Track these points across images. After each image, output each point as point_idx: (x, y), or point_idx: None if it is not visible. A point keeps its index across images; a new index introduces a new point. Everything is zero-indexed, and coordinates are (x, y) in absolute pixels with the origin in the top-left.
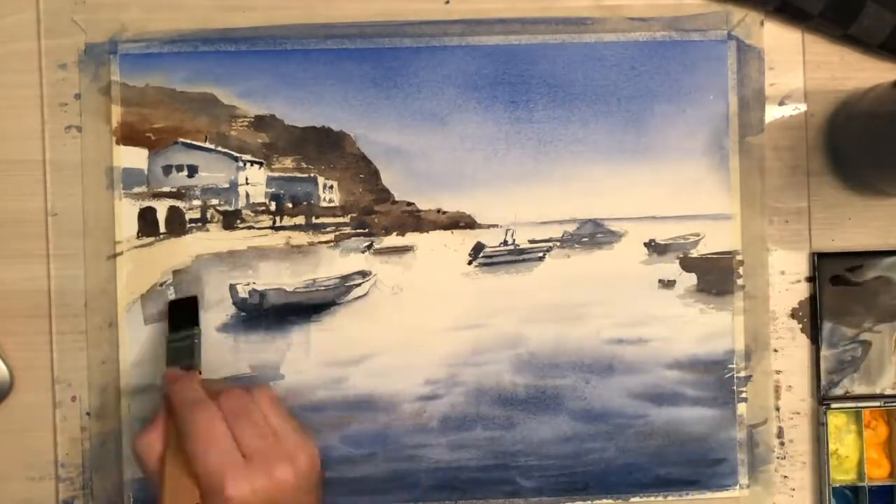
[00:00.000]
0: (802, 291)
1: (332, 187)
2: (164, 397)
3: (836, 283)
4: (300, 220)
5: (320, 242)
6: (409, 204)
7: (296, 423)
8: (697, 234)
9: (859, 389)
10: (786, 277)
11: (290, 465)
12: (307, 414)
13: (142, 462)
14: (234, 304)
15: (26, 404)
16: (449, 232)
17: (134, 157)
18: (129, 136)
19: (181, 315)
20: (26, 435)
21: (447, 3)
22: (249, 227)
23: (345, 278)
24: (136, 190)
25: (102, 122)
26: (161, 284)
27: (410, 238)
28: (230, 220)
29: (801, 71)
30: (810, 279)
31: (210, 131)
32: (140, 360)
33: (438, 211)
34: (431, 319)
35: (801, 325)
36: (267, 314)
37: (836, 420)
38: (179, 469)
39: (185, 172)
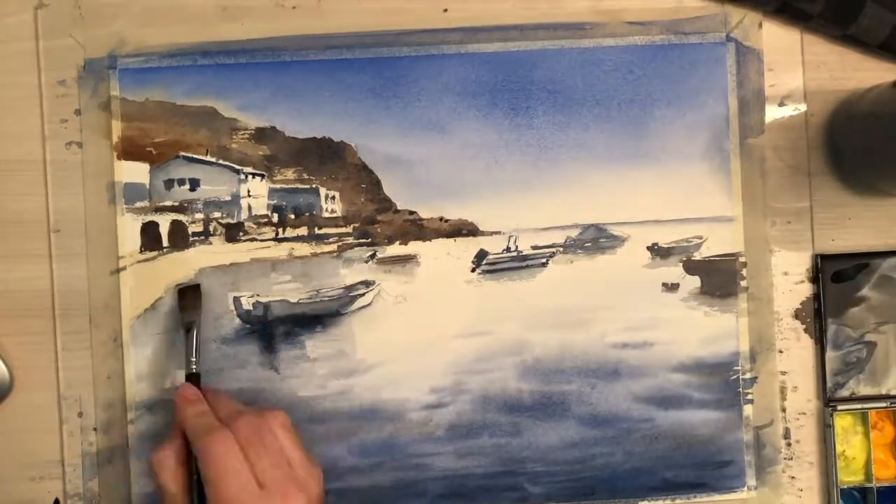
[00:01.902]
0: (805, 292)
1: (333, 198)
2: (178, 418)
3: (837, 279)
4: (303, 231)
5: (323, 253)
6: (412, 213)
7: (304, 449)
8: (700, 237)
9: (865, 390)
10: (789, 278)
11: (304, 494)
12: (313, 426)
13: (155, 476)
14: (239, 316)
15: (26, 404)
16: (452, 240)
17: (135, 172)
18: (130, 150)
19: (189, 303)
20: (26, 435)
21: (445, 11)
22: (252, 240)
23: (348, 288)
24: (139, 204)
25: (103, 137)
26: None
27: (413, 247)
28: (233, 233)
29: (801, 71)
30: (813, 279)
31: (211, 144)
32: (146, 374)
33: (441, 219)
34: (436, 328)
35: (804, 326)
36: (271, 326)
37: (843, 422)
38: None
39: (187, 186)
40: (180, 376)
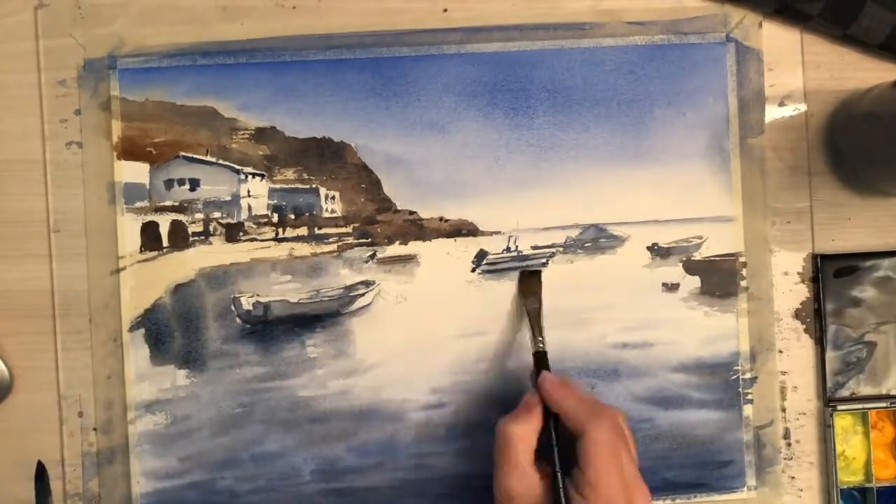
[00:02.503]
0: (805, 292)
1: (334, 198)
2: (548, 400)
3: (840, 274)
4: (303, 231)
5: (323, 253)
6: (412, 213)
7: None
8: (700, 237)
9: (865, 390)
10: (789, 278)
11: (648, 495)
12: (313, 426)
13: (507, 448)
14: (239, 316)
15: (26, 404)
16: (452, 240)
17: (135, 172)
18: (129, 150)
19: (530, 288)
20: (26, 435)
21: (445, 11)
22: (252, 240)
23: (348, 288)
24: (139, 204)
25: (103, 137)
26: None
27: (413, 247)
28: (233, 233)
29: (801, 71)
30: (813, 279)
31: (211, 144)
32: (146, 374)
33: (441, 219)
34: (436, 328)
35: (804, 326)
36: (272, 326)
37: (843, 422)
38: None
39: (187, 186)
40: (181, 376)
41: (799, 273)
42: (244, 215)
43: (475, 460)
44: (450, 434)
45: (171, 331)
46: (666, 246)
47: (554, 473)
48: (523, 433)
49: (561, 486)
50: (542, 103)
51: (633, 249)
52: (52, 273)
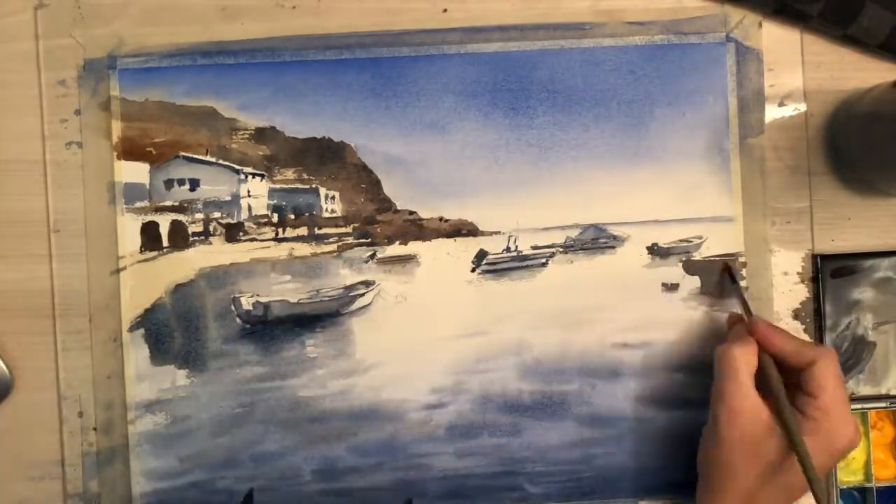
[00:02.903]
0: (805, 292)
1: (333, 198)
2: (766, 342)
3: (836, 275)
4: (303, 231)
5: (323, 253)
6: (411, 213)
7: None
8: (700, 237)
9: (865, 390)
10: (788, 278)
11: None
12: (313, 426)
13: (733, 367)
14: (239, 316)
15: (26, 404)
16: (451, 240)
17: (135, 172)
18: (129, 150)
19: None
20: (26, 435)
21: (445, 11)
22: (252, 240)
23: (348, 288)
24: (139, 204)
25: (103, 137)
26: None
27: (413, 247)
28: (233, 233)
29: (801, 71)
30: (813, 279)
31: (211, 144)
32: (146, 374)
33: (440, 219)
34: (436, 328)
35: (804, 326)
36: (271, 326)
37: None
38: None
39: (187, 186)
40: (181, 376)
41: (799, 273)
42: (244, 215)
43: (475, 460)
44: (449, 434)
45: (171, 331)
46: (665, 246)
47: (778, 397)
48: (745, 355)
49: (787, 411)
50: (542, 103)
51: (632, 249)
52: (52, 273)
